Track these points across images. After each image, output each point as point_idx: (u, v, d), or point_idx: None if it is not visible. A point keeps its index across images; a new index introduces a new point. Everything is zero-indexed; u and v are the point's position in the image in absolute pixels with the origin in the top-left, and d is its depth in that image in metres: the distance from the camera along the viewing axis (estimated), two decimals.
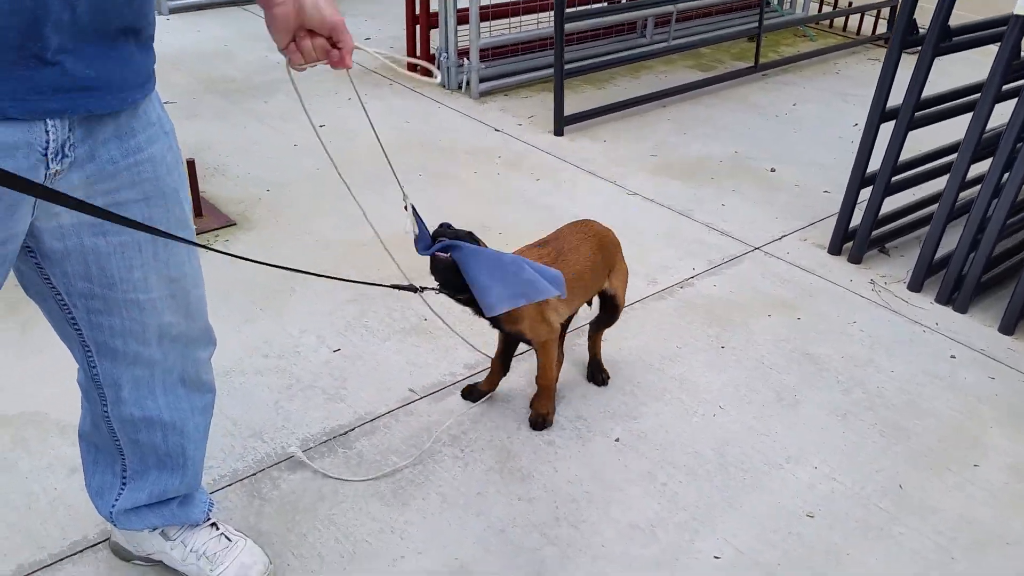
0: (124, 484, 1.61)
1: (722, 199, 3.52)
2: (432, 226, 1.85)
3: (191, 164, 3.12)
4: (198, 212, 3.16)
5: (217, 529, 1.73)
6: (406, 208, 1.74)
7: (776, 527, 1.94)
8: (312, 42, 1.31)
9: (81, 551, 1.80)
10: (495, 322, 2.05)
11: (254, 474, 2.02)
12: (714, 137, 4.13)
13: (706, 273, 2.97)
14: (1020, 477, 2.13)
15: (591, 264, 2.19)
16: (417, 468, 2.06)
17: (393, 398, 2.28)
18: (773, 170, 3.81)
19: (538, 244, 2.20)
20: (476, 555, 1.84)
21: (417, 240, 1.81)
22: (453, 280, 1.84)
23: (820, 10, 6.08)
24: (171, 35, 5.17)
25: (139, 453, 1.57)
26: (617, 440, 2.19)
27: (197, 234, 2.99)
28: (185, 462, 1.60)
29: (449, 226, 1.87)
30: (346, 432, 2.16)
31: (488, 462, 2.09)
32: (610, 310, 2.34)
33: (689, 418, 2.27)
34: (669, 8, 5.18)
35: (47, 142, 1.11)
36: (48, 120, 1.10)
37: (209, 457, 2.03)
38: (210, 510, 1.73)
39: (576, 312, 2.31)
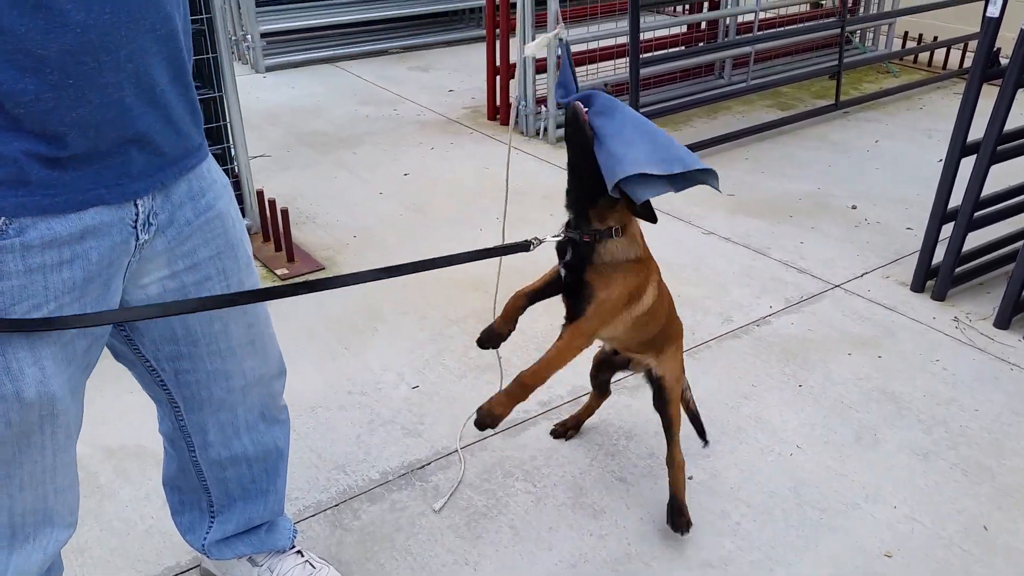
0: (212, 519, 1.71)
1: (801, 237, 3.50)
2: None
3: (284, 213, 3.31)
4: (290, 258, 3.34)
5: (302, 556, 1.82)
6: (560, 40, 1.52)
7: (853, 566, 1.91)
8: None
9: None
10: (572, 282, 1.71)
11: (336, 505, 2.11)
12: (793, 175, 4.12)
13: (783, 311, 2.96)
14: None
15: (647, 312, 1.79)
16: (491, 502, 2.11)
17: (468, 434, 2.35)
18: (854, 207, 3.77)
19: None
20: None
21: (558, 85, 1.55)
22: (581, 143, 1.53)
23: (904, 46, 6.00)
24: (267, 92, 5.48)
25: (225, 488, 1.67)
26: (691, 478, 2.19)
27: (289, 279, 3.18)
28: (268, 488, 1.70)
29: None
30: (423, 466, 2.24)
31: (560, 497, 2.13)
32: (657, 396, 1.99)
33: (764, 457, 2.26)
34: (747, 49, 5.21)
35: (136, 215, 1.19)
36: (136, 198, 1.19)
37: (294, 488, 2.14)
38: (294, 536, 1.83)
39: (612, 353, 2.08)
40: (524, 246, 1.61)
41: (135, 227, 1.20)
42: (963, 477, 2.18)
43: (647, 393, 2.51)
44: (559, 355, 1.70)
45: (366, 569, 1.92)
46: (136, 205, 1.19)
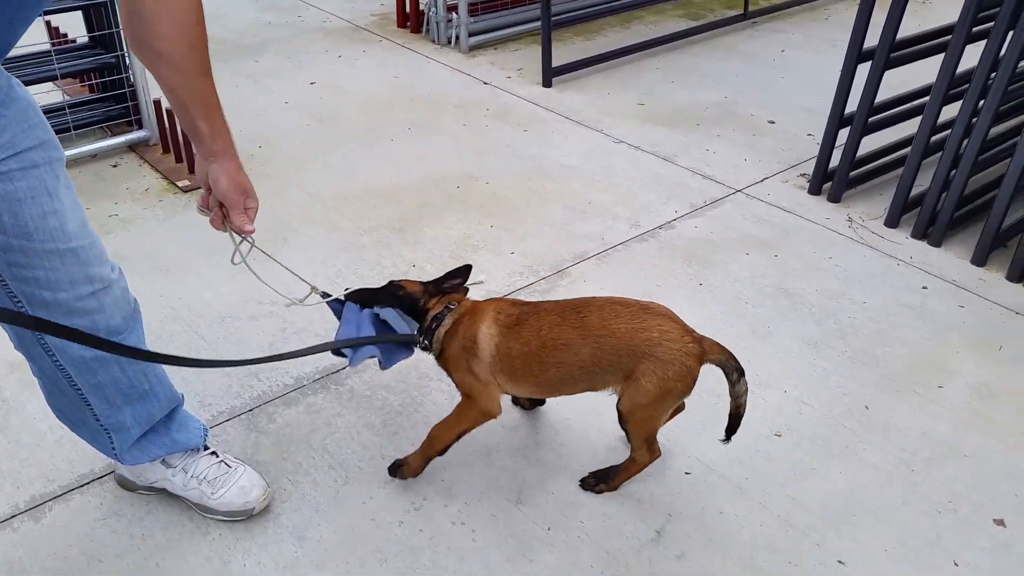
0: (106, 429, 1.68)
1: (707, 145, 3.59)
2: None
3: None
4: (191, 169, 3.24)
5: (217, 457, 1.85)
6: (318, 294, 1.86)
7: (744, 446, 2.05)
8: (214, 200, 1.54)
9: (88, 483, 1.92)
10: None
11: (251, 410, 2.13)
12: (702, 85, 4.18)
13: (688, 215, 3.05)
14: (980, 396, 2.23)
15: (591, 350, 1.74)
16: (406, 401, 2.17)
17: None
18: (772, 122, 3.86)
19: (515, 304, 1.89)
20: (461, 477, 1.95)
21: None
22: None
23: None
24: None
25: (104, 395, 1.62)
26: None
27: (192, 190, 3.10)
28: (152, 386, 1.67)
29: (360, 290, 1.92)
30: (338, 371, 2.27)
31: None
32: (619, 417, 1.83)
33: None
34: None
35: None
36: None
37: (207, 396, 2.15)
38: (206, 436, 1.84)
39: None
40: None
41: None
42: (849, 364, 2.33)
43: (554, 295, 2.59)
44: (457, 423, 1.86)
45: (283, 468, 1.96)
46: None
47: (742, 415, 1.79)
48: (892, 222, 2.98)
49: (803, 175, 3.32)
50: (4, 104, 1.31)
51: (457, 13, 4.49)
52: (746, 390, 1.78)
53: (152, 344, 2.32)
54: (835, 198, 3.13)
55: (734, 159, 3.46)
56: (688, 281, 2.67)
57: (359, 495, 1.90)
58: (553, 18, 4.08)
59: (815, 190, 3.19)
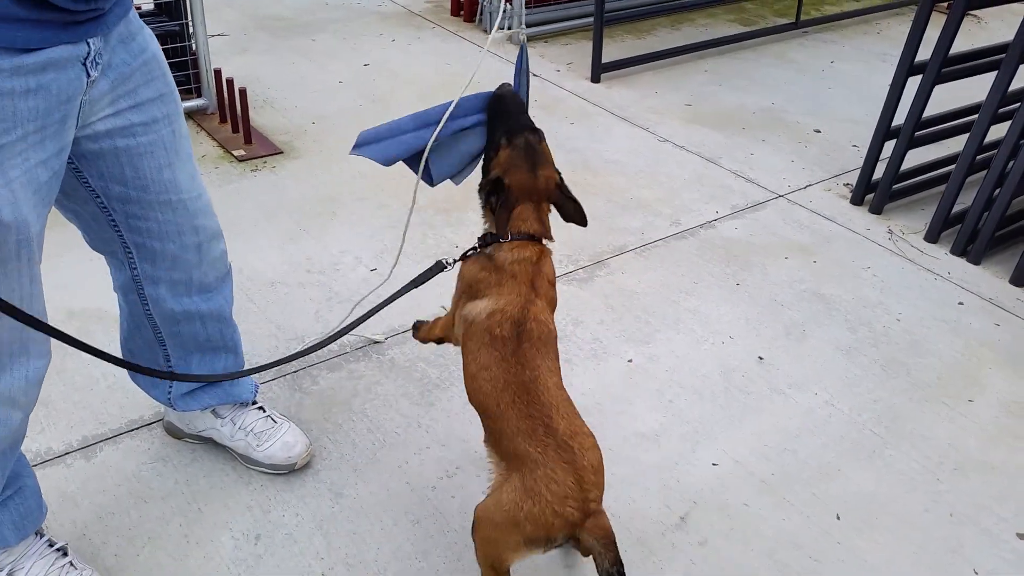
0: (171, 373, 1.79)
1: (752, 149, 3.61)
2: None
3: (243, 93, 3.29)
4: (247, 140, 3.33)
5: (264, 411, 1.92)
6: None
7: (773, 443, 2.09)
8: None
9: (137, 428, 2.01)
10: None
11: (295, 372, 2.20)
12: (749, 90, 4.20)
13: (728, 216, 3.09)
14: (1010, 413, 2.24)
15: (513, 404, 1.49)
16: (444, 375, 2.23)
17: (424, 314, 2.44)
18: (801, 123, 3.88)
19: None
20: None
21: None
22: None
23: None
24: None
25: (180, 342, 1.75)
26: (630, 361, 2.34)
27: (246, 160, 3.19)
28: (226, 343, 1.79)
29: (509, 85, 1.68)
30: (380, 341, 2.33)
31: None
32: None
33: (699, 345, 2.42)
34: None
35: (87, 53, 1.27)
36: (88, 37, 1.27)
37: (254, 355, 2.23)
38: (256, 391, 1.92)
39: None
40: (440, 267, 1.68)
41: (85, 64, 1.28)
42: (881, 371, 2.36)
43: (593, 284, 2.65)
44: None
45: (324, 428, 2.03)
46: (88, 44, 1.27)
47: None
48: (932, 237, 3.00)
49: (846, 185, 3.34)
50: (133, 53, 1.39)
51: (511, 3, 4.54)
52: None
53: None
54: (877, 209, 3.15)
55: (778, 165, 3.49)
56: (726, 280, 2.71)
57: (395, 459, 1.97)
58: (606, 14, 4.12)
59: (857, 200, 3.20)
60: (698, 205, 3.15)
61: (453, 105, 1.61)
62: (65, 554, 1.61)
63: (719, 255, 2.85)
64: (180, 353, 1.77)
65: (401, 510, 1.85)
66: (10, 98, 1.16)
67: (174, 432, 1.98)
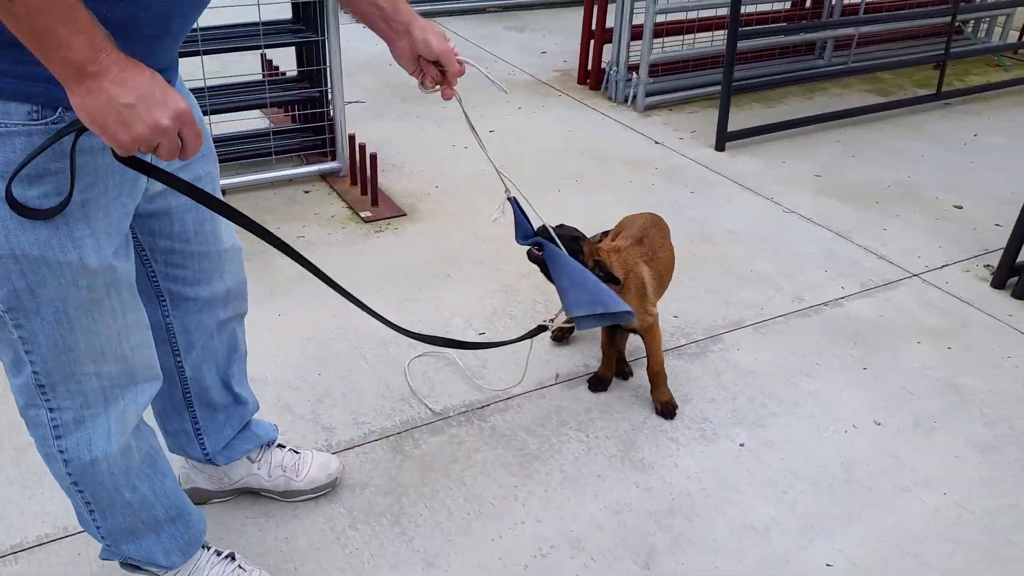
0: (199, 434, 1.83)
1: (885, 224, 3.45)
2: (547, 223, 2.09)
3: (374, 158, 3.43)
4: (374, 202, 3.46)
5: (284, 448, 2.00)
6: (508, 199, 2.01)
7: (894, 545, 1.93)
8: (430, 69, 1.63)
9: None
10: None
11: (399, 433, 2.23)
12: (884, 163, 4.03)
13: (857, 295, 2.94)
14: None
15: (671, 258, 2.39)
16: (544, 446, 2.20)
17: (529, 382, 2.44)
18: (940, 199, 3.68)
19: (633, 241, 2.30)
20: (590, 531, 1.95)
21: (516, 228, 2.03)
22: (545, 273, 2.08)
23: (1021, 39, 5.74)
24: (366, 43, 5.60)
25: (207, 399, 1.79)
26: (742, 445, 2.23)
27: (372, 221, 3.31)
28: (243, 391, 1.86)
29: (562, 226, 2.09)
30: (483, 407, 2.33)
31: (611, 449, 2.20)
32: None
33: (819, 433, 2.28)
34: (850, 31, 5.09)
35: None
36: None
37: (361, 414, 2.28)
38: (276, 430, 2.01)
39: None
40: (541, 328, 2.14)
41: None
42: (1021, 473, 2.16)
43: (705, 360, 2.56)
44: (651, 334, 2.27)
45: (421, 492, 2.03)
46: None
47: None
48: None
49: (987, 266, 3.12)
50: None
51: (637, 73, 4.57)
52: None
53: (318, 361, 2.49)
54: (1020, 294, 2.92)
55: (913, 242, 3.31)
56: (851, 363, 2.57)
57: (489, 532, 1.94)
58: (735, 83, 4.08)
59: (999, 284, 2.98)
60: (824, 281, 3.02)
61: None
62: (233, 559, 1.73)
63: (845, 336, 2.71)
64: (207, 414, 1.81)
65: None
66: (91, 154, 1.24)
67: (200, 497, 1.97)
